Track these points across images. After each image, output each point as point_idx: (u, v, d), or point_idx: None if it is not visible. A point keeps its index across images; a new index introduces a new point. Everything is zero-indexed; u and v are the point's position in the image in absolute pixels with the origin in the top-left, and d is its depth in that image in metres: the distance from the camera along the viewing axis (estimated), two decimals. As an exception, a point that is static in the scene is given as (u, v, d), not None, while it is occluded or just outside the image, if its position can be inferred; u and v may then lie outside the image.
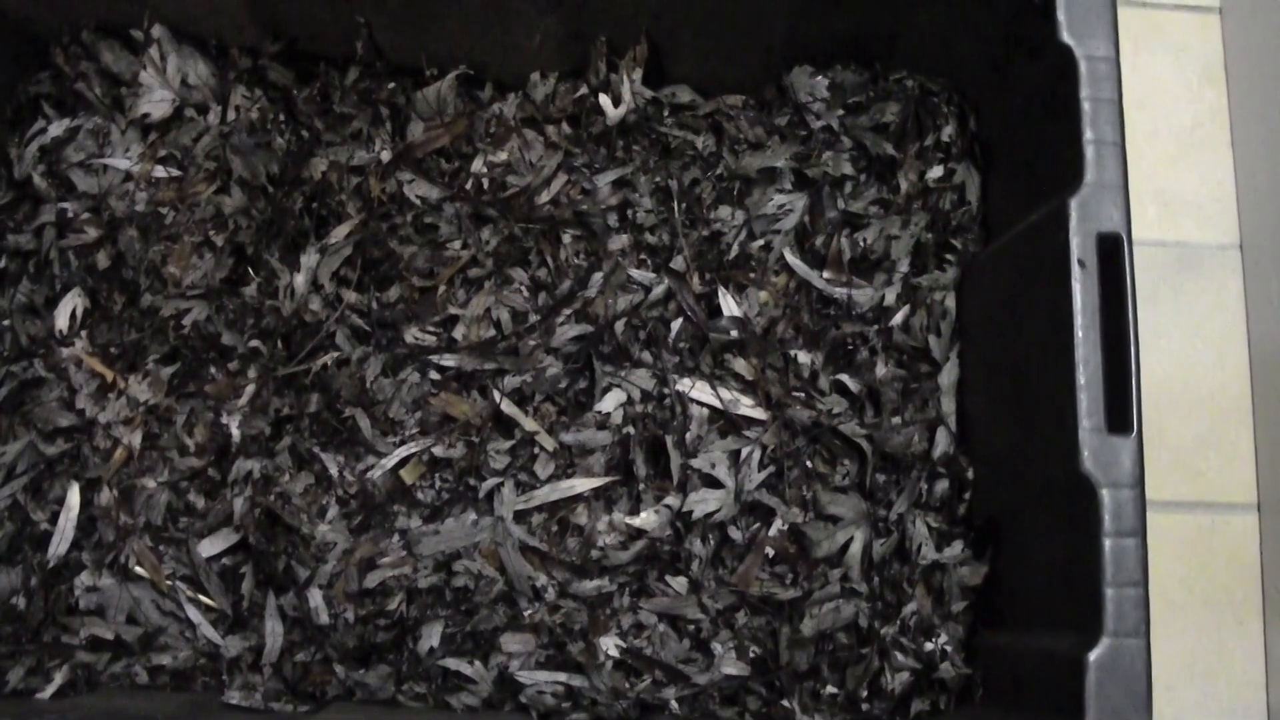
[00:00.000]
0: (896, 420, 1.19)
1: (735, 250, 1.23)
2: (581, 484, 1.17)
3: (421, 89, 1.26)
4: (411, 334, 1.20)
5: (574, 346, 1.20)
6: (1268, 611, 1.36)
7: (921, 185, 1.24)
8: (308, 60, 1.28)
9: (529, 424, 1.18)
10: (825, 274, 1.23)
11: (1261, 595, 1.36)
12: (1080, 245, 1.00)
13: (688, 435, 1.18)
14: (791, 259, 1.23)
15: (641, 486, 1.17)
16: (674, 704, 1.13)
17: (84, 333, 1.21)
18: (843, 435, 1.19)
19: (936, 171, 1.24)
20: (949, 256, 1.23)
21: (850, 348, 1.22)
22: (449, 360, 1.19)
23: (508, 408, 1.18)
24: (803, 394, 1.20)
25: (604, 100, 1.25)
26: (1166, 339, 1.41)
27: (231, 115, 1.25)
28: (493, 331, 1.21)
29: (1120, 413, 0.98)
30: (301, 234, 1.23)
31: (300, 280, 1.21)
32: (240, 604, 1.16)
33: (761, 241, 1.24)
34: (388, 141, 1.26)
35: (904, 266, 1.23)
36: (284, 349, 1.21)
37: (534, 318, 1.21)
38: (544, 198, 1.24)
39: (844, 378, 1.20)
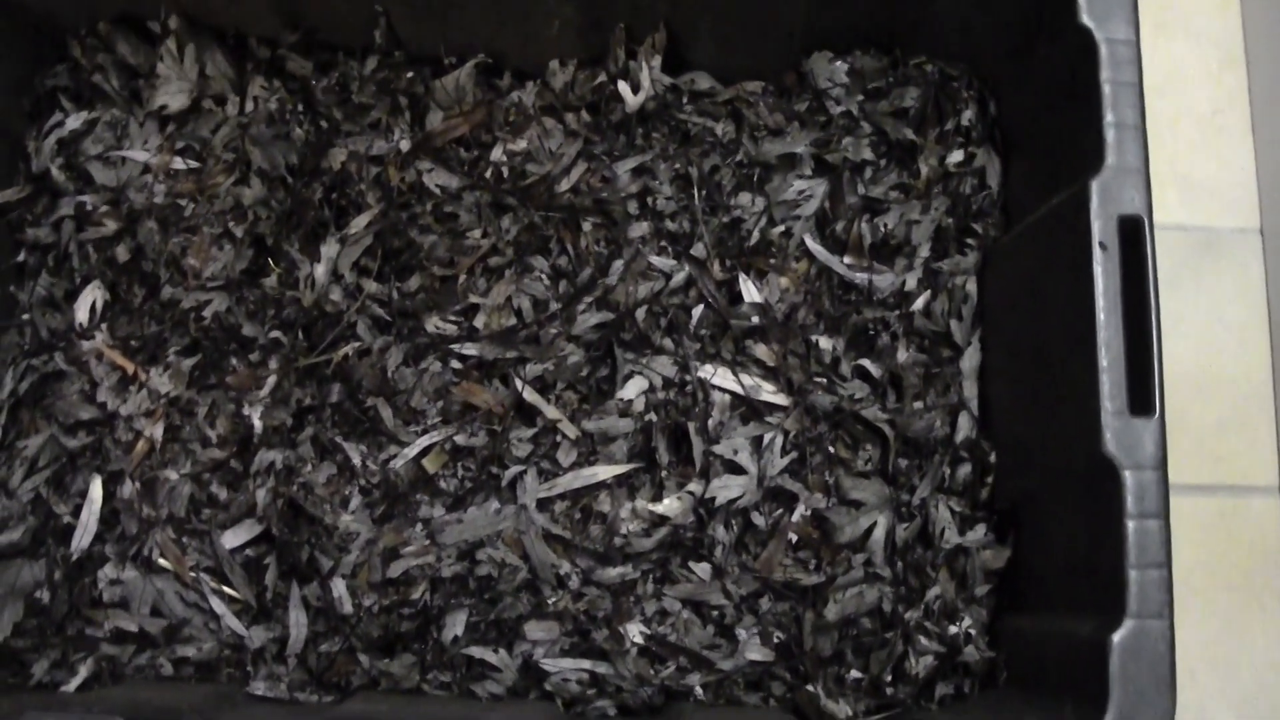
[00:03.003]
0: (918, 405, 1.19)
1: (756, 237, 1.23)
2: (604, 471, 1.17)
3: (440, 78, 1.27)
4: (432, 323, 1.21)
5: (595, 334, 1.20)
6: (1290, 594, 1.36)
7: (942, 170, 1.24)
8: (326, 50, 1.28)
9: (551, 412, 1.18)
10: (846, 259, 1.23)
11: (1284, 578, 1.37)
12: (1101, 228, 1.01)
13: (710, 422, 1.18)
14: (812, 244, 1.23)
15: (664, 473, 1.17)
16: (698, 690, 1.13)
17: (104, 325, 1.22)
18: (865, 420, 1.19)
19: (957, 156, 1.24)
20: (970, 241, 1.23)
21: (871, 333, 1.22)
22: (470, 349, 1.20)
23: (529, 396, 1.18)
24: (824, 379, 1.20)
25: (623, 88, 1.25)
26: (1188, 323, 1.41)
27: (250, 106, 1.26)
28: (514, 320, 1.21)
29: (1143, 395, 0.98)
30: (321, 224, 1.23)
31: (320, 271, 1.21)
32: (264, 595, 1.16)
33: (782, 228, 1.24)
34: (406, 131, 1.26)
35: (925, 251, 1.23)
36: (305, 340, 1.21)
37: (555, 306, 1.21)
38: (564, 186, 1.24)
39: (866, 363, 1.20)
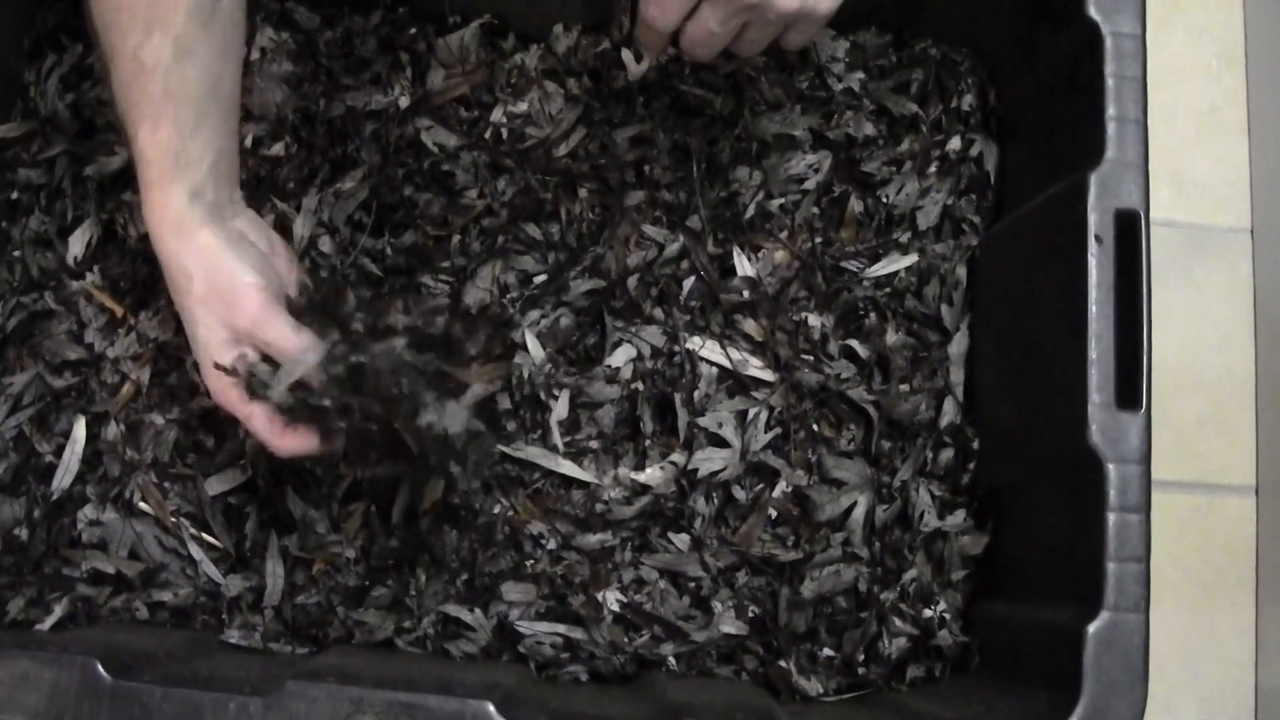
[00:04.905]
0: (904, 388, 1.19)
1: (752, 211, 1.23)
2: (588, 437, 1.18)
3: (444, 36, 1.26)
4: (424, 280, 1.20)
5: (586, 300, 1.21)
6: (1260, 594, 1.37)
7: (940, 155, 1.25)
8: (332, 4, 1.27)
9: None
10: (840, 237, 1.24)
11: (1255, 577, 1.37)
12: (1098, 221, 1.01)
13: (696, 394, 1.18)
14: (806, 221, 1.24)
15: (648, 442, 1.18)
16: (671, 660, 1.14)
17: (96, 267, 1.21)
18: (850, 400, 1.19)
19: (955, 142, 1.24)
20: (964, 227, 1.23)
21: (861, 313, 1.22)
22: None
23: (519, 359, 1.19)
24: (812, 357, 1.20)
25: (626, 55, 1.25)
26: (1174, 319, 1.42)
27: (255, 55, 1.25)
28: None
29: (1130, 389, 0.99)
30: (314, 176, 1.23)
31: (299, 224, 1.20)
32: (243, 544, 1.16)
33: (779, 202, 1.24)
34: (407, 87, 1.26)
35: (919, 234, 1.23)
36: (295, 291, 1.20)
37: (543, 278, 1.21)
38: (562, 150, 1.24)
39: (853, 343, 1.21)
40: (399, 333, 1.00)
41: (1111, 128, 1.03)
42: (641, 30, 1.02)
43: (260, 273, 0.99)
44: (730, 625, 1.14)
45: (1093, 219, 1.01)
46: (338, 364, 0.98)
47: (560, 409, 1.18)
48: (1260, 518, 1.38)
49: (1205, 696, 1.35)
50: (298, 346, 0.98)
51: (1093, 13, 1.05)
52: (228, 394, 1.00)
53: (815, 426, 1.19)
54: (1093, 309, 1.00)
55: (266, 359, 1.00)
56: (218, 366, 0.99)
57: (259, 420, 1.00)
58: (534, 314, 1.19)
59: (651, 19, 0.99)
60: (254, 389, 0.99)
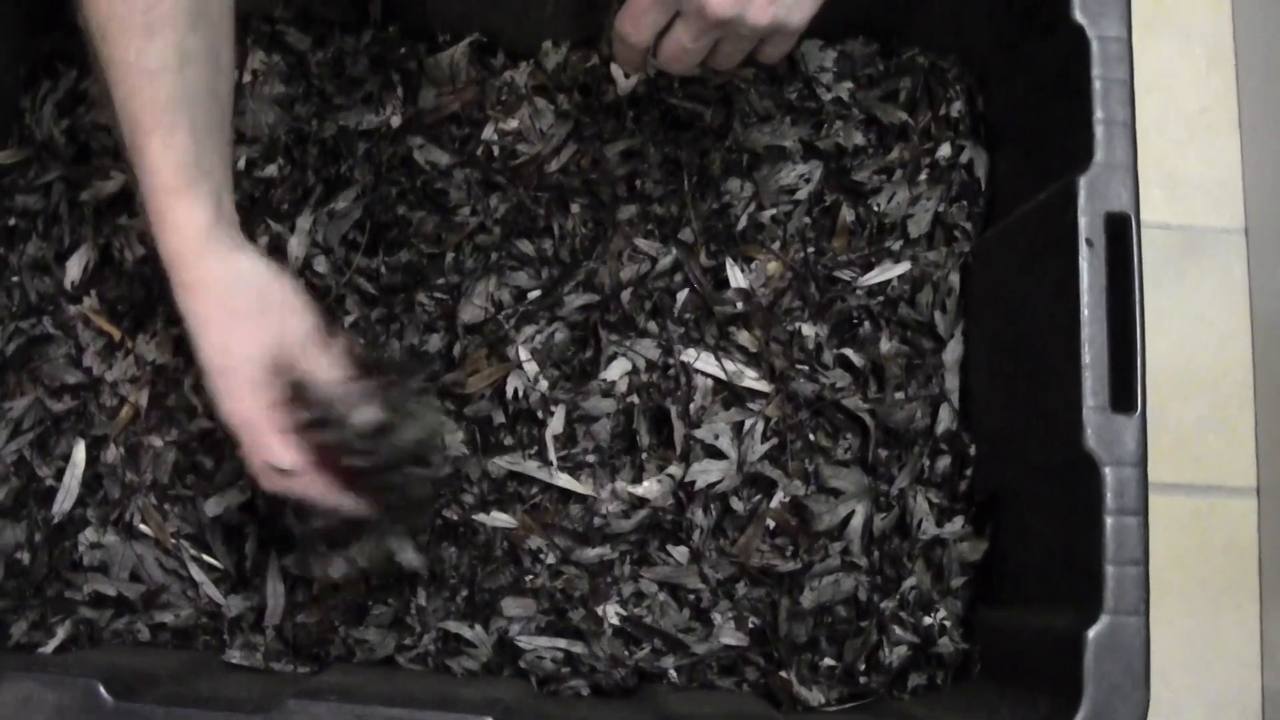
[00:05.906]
0: (900, 396, 1.19)
1: (744, 222, 1.24)
2: (585, 451, 1.18)
3: (434, 55, 1.27)
4: (419, 299, 1.21)
5: (580, 315, 1.21)
6: (1264, 595, 1.36)
7: (930, 162, 1.25)
8: (322, 25, 1.28)
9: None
10: (832, 247, 1.24)
11: (1258, 579, 1.37)
12: (1088, 224, 1.01)
13: (691, 406, 1.18)
14: (798, 231, 1.24)
15: (644, 455, 1.18)
16: (672, 673, 1.14)
17: (93, 291, 1.21)
18: (846, 409, 1.19)
19: (945, 149, 1.25)
20: (956, 233, 1.23)
21: (855, 322, 1.22)
22: (456, 326, 1.20)
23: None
24: (806, 367, 1.20)
25: (615, 70, 1.25)
26: (1169, 322, 1.42)
27: (247, 78, 1.25)
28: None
29: (1125, 392, 0.99)
30: (308, 196, 1.23)
31: (294, 243, 1.21)
32: (243, 564, 1.16)
33: (770, 213, 1.24)
34: (399, 106, 1.26)
35: (911, 242, 1.24)
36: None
37: (537, 293, 1.22)
38: (553, 166, 1.24)
39: (848, 352, 1.21)
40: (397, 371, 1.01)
41: (1099, 131, 1.03)
42: (618, 46, 1.03)
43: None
44: (730, 637, 1.14)
45: (1083, 222, 1.01)
46: (375, 410, 0.98)
47: (556, 424, 1.18)
48: (1262, 518, 1.38)
49: (1211, 700, 1.35)
50: (339, 383, 0.97)
51: (1078, 17, 1.05)
52: (255, 418, 0.98)
53: (811, 436, 1.19)
54: (1085, 312, 1.00)
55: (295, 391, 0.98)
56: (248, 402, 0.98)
57: (277, 452, 0.98)
58: (528, 329, 1.20)
59: (625, 35, 1.00)
60: (310, 423, 0.98)
